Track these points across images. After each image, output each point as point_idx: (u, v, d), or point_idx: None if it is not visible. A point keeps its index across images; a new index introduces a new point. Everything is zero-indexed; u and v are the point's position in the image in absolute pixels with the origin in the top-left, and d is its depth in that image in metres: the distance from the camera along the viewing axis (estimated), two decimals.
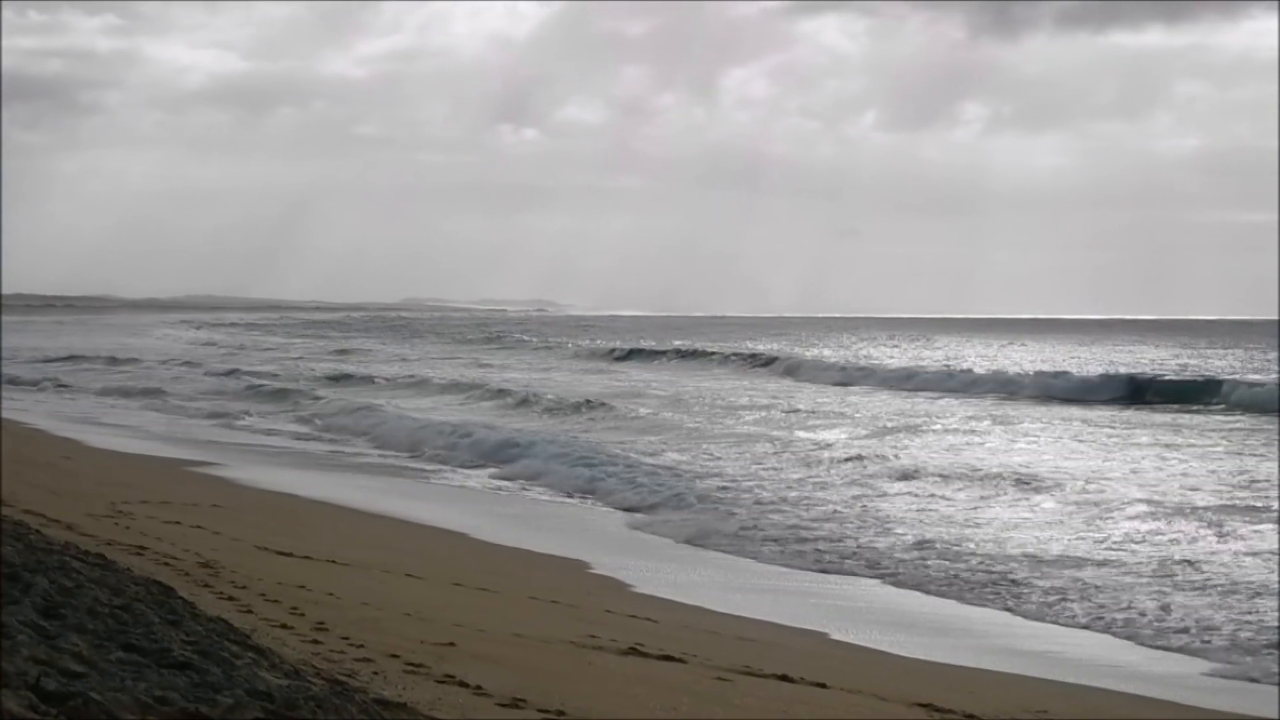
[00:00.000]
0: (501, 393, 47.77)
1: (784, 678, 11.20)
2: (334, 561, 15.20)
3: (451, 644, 10.30)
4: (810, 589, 17.33)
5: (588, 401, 43.38)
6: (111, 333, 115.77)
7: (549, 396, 45.60)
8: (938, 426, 38.91)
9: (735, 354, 79.33)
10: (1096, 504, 23.66)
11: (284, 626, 9.95)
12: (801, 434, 35.90)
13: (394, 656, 9.34)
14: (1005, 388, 57.18)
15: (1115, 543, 20.22)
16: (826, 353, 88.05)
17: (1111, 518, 22.32)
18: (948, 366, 69.55)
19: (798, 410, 44.30)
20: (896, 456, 30.22)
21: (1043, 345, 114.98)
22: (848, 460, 29.51)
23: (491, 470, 29.04)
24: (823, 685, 11.18)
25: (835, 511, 22.99)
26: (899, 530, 21.26)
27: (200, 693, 6.00)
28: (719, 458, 30.27)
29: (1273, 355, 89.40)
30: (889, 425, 38.70)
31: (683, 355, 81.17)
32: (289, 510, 21.60)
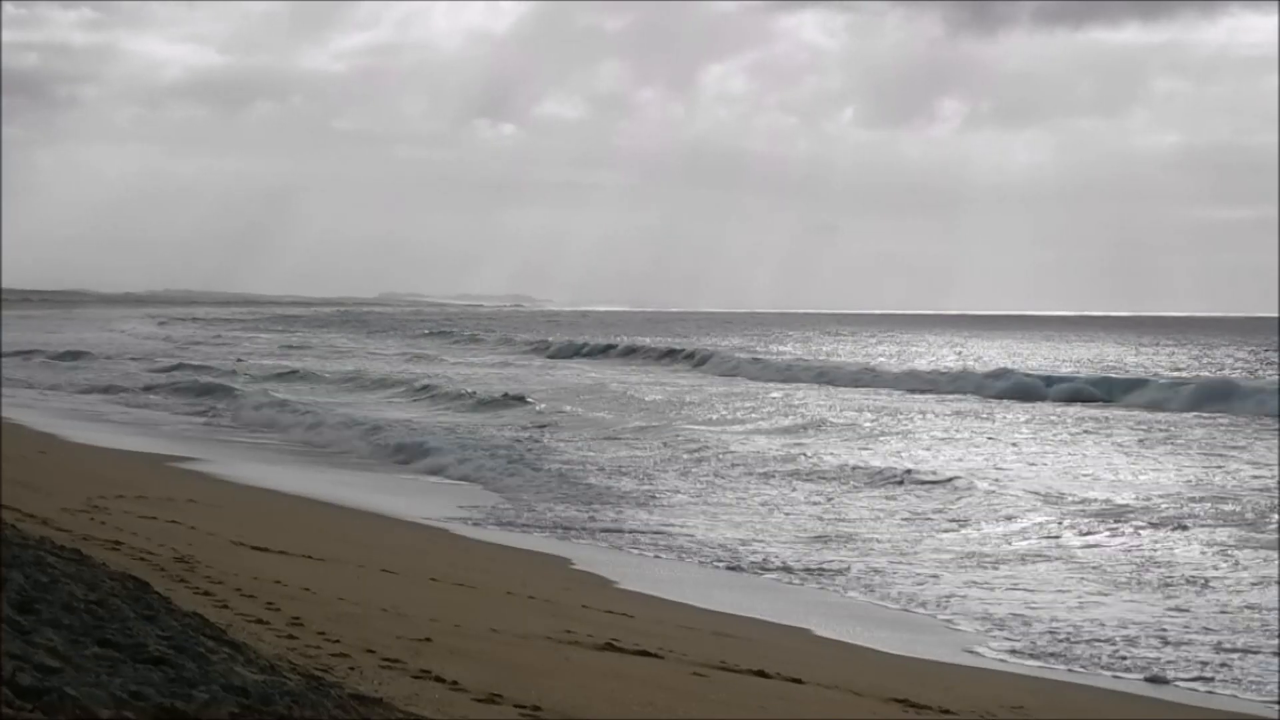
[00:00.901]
0: (426, 388, 49.90)
1: (760, 673, 11.21)
2: (310, 557, 15.18)
3: (428, 639, 10.29)
4: (799, 586, 17.32)
5: (506, 395, 45.41)
6: (75, 327, 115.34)
7: (472, 392, 47.40)
8: (839, 422, 39.19)
9: (671, 350, 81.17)
10: (969, 497, 24.02)
11: (260, 622, 9.93)
12: (688, 428, 36.84)
13: (370, 652, 9.33)
14: (936, 384, 57.75)
15: (983, 540, 20.46)
16: (784, 349, 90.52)
17: (995, 513, 22.61)
18: (870, 364, 70.51)
19: (699, 405, 45.51)
20: (782, 454, 30.22)
21: (1008, 342, 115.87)
22: (736, 461, 29.49)
23: (398, 463, 29.57)
24: (799, 681, 11.20)
25: (721, 504, 23.63)
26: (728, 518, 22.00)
27: (176, 688, 5.99)
28: (615, 454, 30.58)
29: (1236, 353, 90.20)
30: (786, 424, 38.87)
31: (622, 353, 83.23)
32: (265, 505, 21.57)
